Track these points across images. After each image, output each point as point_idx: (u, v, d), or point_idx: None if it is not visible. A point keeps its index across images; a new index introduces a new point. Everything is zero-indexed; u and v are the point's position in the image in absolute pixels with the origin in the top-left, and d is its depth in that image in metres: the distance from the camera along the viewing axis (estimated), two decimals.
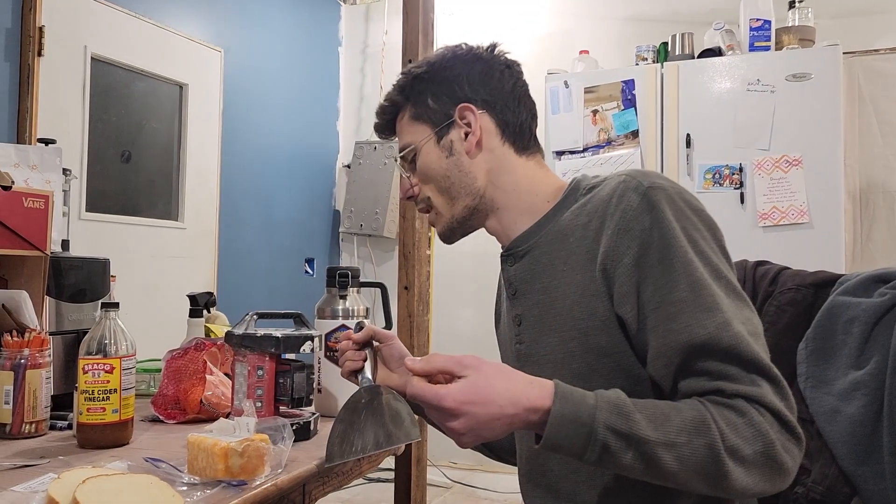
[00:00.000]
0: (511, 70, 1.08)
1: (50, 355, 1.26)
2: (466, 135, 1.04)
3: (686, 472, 0.79)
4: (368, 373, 1.09)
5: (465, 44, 1.09)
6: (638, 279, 0.88)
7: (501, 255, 1.07)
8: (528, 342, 1.01)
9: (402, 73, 1.10)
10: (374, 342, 1.16)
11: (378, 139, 4.28)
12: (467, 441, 0.82)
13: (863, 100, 3.35)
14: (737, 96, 3.00)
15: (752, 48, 3.07)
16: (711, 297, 0.85)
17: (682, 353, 0.84)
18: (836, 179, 2.85)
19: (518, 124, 1.06)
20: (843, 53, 2.96)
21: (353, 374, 1.12)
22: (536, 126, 1.10)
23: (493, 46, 1.08)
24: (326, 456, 0.96)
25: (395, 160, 1.11)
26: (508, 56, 1.09)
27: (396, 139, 1.12)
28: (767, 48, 3.05)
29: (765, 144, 2.95)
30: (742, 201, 2.96)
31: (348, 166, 4.37)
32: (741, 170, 2.97)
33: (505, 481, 3.56)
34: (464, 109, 1.03)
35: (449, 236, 1.09)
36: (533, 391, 0.81)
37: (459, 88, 1.05)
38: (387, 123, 1.11)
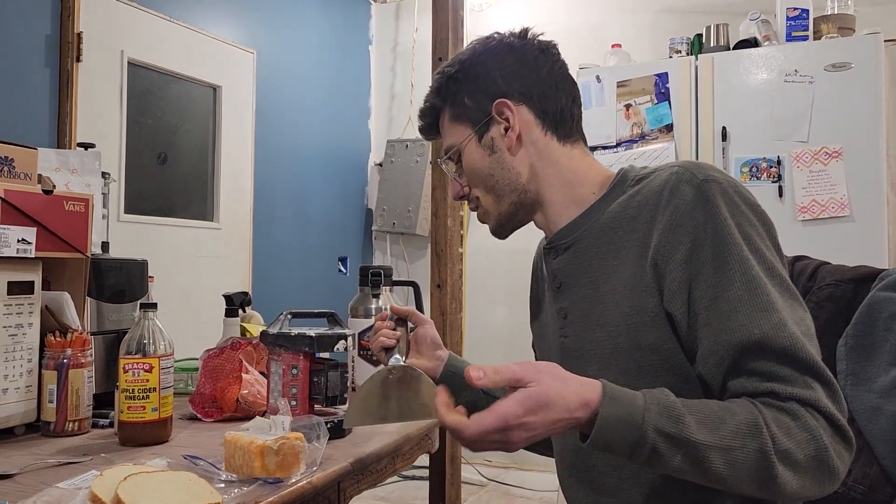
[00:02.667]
0: (545, 54, 1.04)
1: (92, 355, 1.29)
2: (507, 130, 1.02)
3: (736, 475, 0.78)
4: (399, 352, 1.11)
5: (497, 33, 1.06)
6: (690, 275, 0.86)
7: (545, 247, 1.06)
8: (574, 336, 0.99)
9: (437, 74, 1.09)
10: (408, 323, 1.18)
11: (410, 138, 4.29)
12: (518, 447, 0.80)
13: None
14: (774, 88, 2.94)
15: (790, 38, 3.00)
16: (767, 296, 0.83)
17: (735, 353, 0.82)
18: (879, 171, 2.78)
19: (558, 111, 1.03)
20: (885, 41, 2.88)
21: (384, 352, 1.14)
22: (579, 110, 1.07)
23: (525, 32, 1.05)
24: (346, 417, 0.99)
25: (441, 163, 1.10)
26: (542, 39, 1.05)
27: (442, 139, 1.11)
28: (805, 38, 2.98)
29: (803, 136, 2.88)
30: (780, 195, 2.90)
31: (380, 165, 4.39)
32: (779, 163, 2.91)
33: (540, 479, 3.55)
34: (500, 105, 1.01)
35: (500, 233, 1.09)
36: (585, 393, 0.79)
37: (493, 83, 1.02)
38: (430, 126, 1.11)
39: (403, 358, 1.12)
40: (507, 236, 1.10)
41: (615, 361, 0.93)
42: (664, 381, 0.86)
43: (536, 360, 1.17)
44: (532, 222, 1.09)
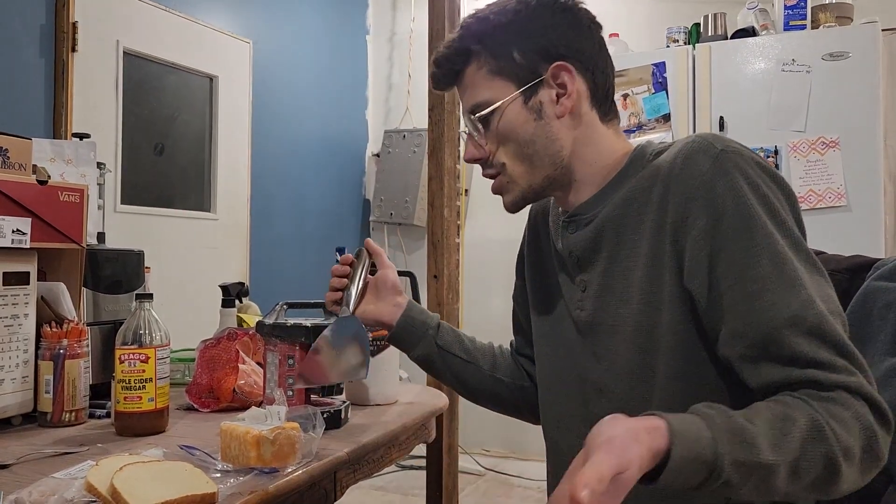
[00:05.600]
0: (595, 25, 0.98)
1: (88, 345, 1.29)
2: (559, 97, 0.94)
3: (798, 485, 0.73)
4: (353, 292, 1.12)
5: None
6: (710, 251, 0.82)
7: (564, 221, 1.00)
8: (592, 310, 0.96)
9: (474, 18, 0.97)
10: (367, 263, 1.17)
11: (408, 128, 4.28)
12: None
13: None
14: (771, 77, 2.94)
15: (787, 27, 3.00)
16: (794, 272, 0.79)
17: (766, 335, 0.78)
18: (876, 161, 2.78)
19: (606, 87, 0.98)
20: (882, 30, 2.88)
21: (337, 304, 1.14)
22: None
23: None
24: (301, 377, 1.06)
25: (466, 117, 0.98)
26: (585, 6, 0.99)
27: (458, 91, 1.00)
28: (803, 27, 2.98)
29: (800, 126, 2.88)
30: None
31: (377, 155, 4.38)
32: (776, 152, 2.91)
33: (538, 469, 3.56)
34: (559, 69, 0.94)
35: (519, 206, 1.00)
36: (654, 443, 0.69)
37: (549, 43, 0.94)
38: (454, 74, 0.99)
39: (352, 308, 1.12)
40: (519, 210, 1.02)
41: (634, 340, 0.90)
42: (676, 364, 0.84)
43: (528, 331, 1.14)
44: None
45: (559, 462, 1.02)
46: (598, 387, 0.95)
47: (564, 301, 1.02)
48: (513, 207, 1.01)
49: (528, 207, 1.15)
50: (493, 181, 1.00)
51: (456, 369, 1.15)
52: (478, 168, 1.02)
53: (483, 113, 0.96)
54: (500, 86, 0.95)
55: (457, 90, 1.01)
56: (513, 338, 1.23)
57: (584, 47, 0.96)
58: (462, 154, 1.02)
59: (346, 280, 1.14)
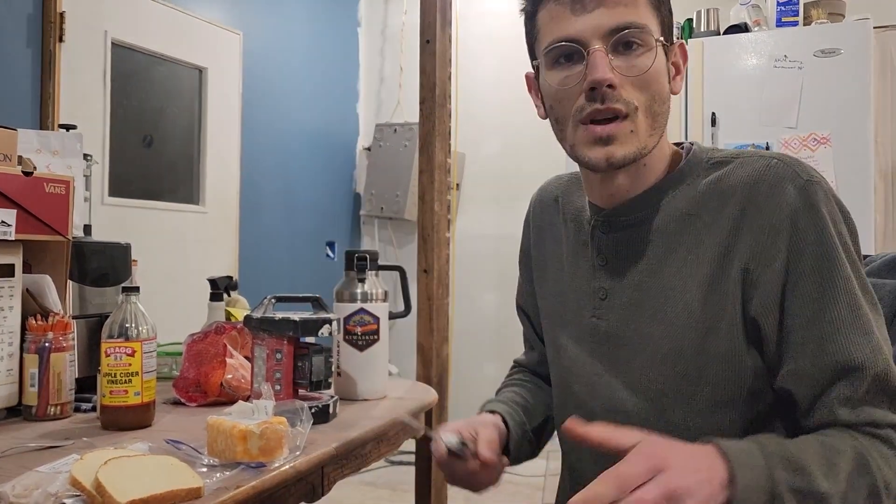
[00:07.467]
0: None
1: (74, 339, 1.27)
2: (676, 72, 0.91)
3: None
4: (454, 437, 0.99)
5: None
6: (784, 283, 0.80)
7: (596, 218, 0.93)
8: (616, 322, 0.91)
9: None
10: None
11: (399, 121, 4.27)
12: None
13: (895, 75, 3.26)
14: (763, 73, 2.94)
15: (780, 23, 3.00)
16: (866, 317, 0.79)
17: (833, 376, 0.78)
18: (867, 157, 2.79)
19: None
20: (874, 28, 2.88)
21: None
22: None
23: None
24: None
25: (601, 34, 0.83)
26: None
27: None
28: (795, 23, 2.98)
29: (792, 122, 2.89)
30: None
31: (368, 149, 4.37)
32: (768, 149, 2.92)
33: (527, 464, 3.56)
34: (682, 48, 0.91)
35: (627, 163, 0.86)
36: (715, 466, 0.68)
37: (672, 21, 0.90)
38: None
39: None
40: (618, 169, 0.87)
41: (674, 365, 0.85)
42: (723, 395, 0.82)
43: (533, 329, 1.10)
44: (588, 182, 0.94)
45: (572, 467, 1.02)
46: (613, 405, 0.91)
47: (577, 305, 0.96)
48: (620, 162, 0.85)
49: (530, 202, 1.11)
50: (601, 126, 0.85)
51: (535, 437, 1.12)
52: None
53: (641, 33, 0.83)
54: (655, 24, 0.86)
55: None
56: (522, 356, 1.18)
57: None
58: (594, 72, 0.82)
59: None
